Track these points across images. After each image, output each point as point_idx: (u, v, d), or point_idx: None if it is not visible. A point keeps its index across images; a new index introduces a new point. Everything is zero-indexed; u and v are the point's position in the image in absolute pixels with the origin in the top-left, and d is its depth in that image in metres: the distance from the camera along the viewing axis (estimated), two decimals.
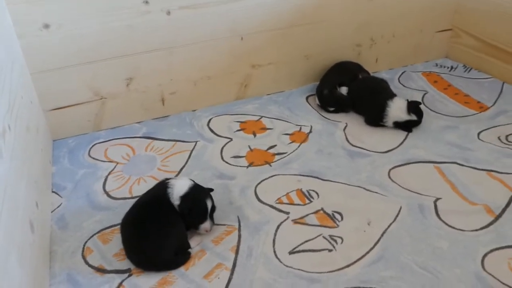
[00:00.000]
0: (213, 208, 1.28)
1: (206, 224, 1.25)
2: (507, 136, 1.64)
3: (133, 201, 1.32)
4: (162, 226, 1.18)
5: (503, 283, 1.11)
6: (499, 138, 1.63)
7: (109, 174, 1.55)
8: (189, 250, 1.22)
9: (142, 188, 1.47)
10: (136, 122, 1.82)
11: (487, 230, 1.27)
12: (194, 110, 1.89)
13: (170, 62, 1.76)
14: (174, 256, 1.19)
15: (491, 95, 1.89)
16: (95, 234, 1.31)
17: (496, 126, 1.69)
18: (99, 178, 1.54)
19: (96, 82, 1.69)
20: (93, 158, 1.63)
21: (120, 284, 1.16)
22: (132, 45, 1.68)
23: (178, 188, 1.25)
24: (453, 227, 1.28)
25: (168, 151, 1.66)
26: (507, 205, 1.34)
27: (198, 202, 1.25)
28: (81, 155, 1.65)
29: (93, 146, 1.70)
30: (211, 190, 1.32)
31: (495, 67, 1.99)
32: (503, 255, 1.19)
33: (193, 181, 1.30)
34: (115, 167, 1.59)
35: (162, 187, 1.27)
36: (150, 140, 1.72)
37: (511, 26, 1.87)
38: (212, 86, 1.88)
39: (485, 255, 1.19)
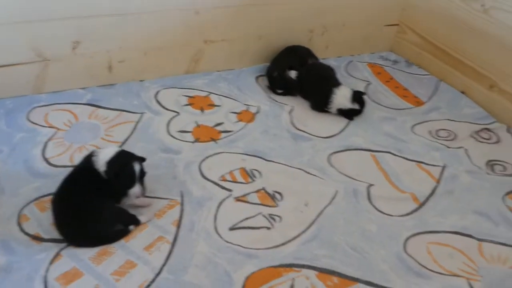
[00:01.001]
0: (142, 172, 1.24)
1: (136, 189, 1.22)
2: (437, 131, 1.76)
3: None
4: (88, 203, 1.16)
5: (421, 264, 1.23)
6: (430, 132, 1.75)
7: (49, 140, 1.51)
8: (130, 227, 1.21)
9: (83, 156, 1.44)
10: (80, 88, 1.77)
11: (412, 216, 1.38)
12: (142, 81, 1.86)
13: (121, 29, 1.72)
14: (108, 231, 1.18)
15: (428, 91, 2.01)
16: (32, 201, 1.28)
17: (428, 121, 1.82)
18: (38, 143, 1.49)
19: (40, 43, 1.62)
20: (32, 122, 1.57)
21: (58, 253, 1.15)
22: (81, 8, 1.61)
23: (103, 155, 1.22)
24: (382, 212, 1.38)
25: (113, 121, 1.63)
26: (431, 195, 1.46)
27: (124, 165, 1.21)
28: (19, 118, 1.58)
29: (32, 109, 1.63)
30: (143, 159, 1.27)
31: (434, 65, 2.12)
32: (423, 240, 1.31)
33: (123, 149, 1.27)
34: (55, 133, 1.54)
35: (87, 157, 1.24)
36: (94, 108, 1.68)
37: (452, 28, 2.00)
38: (162, 57, 1.85)
39: (408, 238, 1.30)
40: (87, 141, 1.52)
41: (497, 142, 1.73)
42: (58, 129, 1.56)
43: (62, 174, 1.30)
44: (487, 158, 1.63)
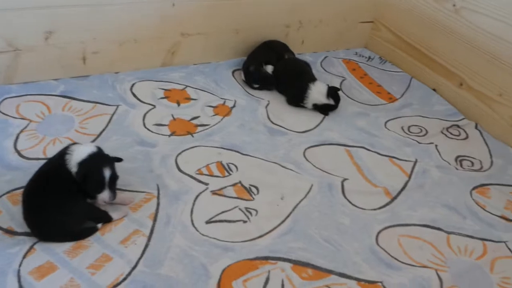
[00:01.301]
0: (114, 177, 1.20)
1: (104, 195, 1.18)
2: (409, 127, 1.81)
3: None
4: (57, 198, 1.14)
5: (392, 256, 1.27)
6: (402, 128, 1.80)
7: (21, 132, 1.48)
8: (98, 225, 1.19)
9: (57, 149, 1.38)
10: (53, 79, 1.73)
11: (384, 210, 1.42)
12: (117, 73, 1.84)
13: (95, 19, 1.69)
14: (76, 227, 1.16)
15: (400, 88, 2.06)
16: (4, 194, 1.25)
17: (401, 117, 1.86)
18: (9, 135, 1.46)
19: (11, 32, 1.58)
20: (3, 113, 1.53)
21: (31, 247, 1.13)
22: None
23: (77, 154, 1.18)
24: (356, 206, 1.41)
25: (87, 113, 1.61)
26: (402, 189, 1.50)
27: (94, 169, 1.17)
28: None
29: (3, 100, 1.59)
30: (119, 160, 1.24)
31: (407, 62, 2.17)
32: (394, 232, 1.35)
33: (99, 148, 1.23)
34: (28, 125, 1.51)
35: (61, 153, 1.21)
36: (68, 100, 1.65)
37: (424, 27, 2.05)
38: (138, 49, 1.83)
39: (380, 231, 1.34)
40: (60, 133, 1.50)
41: (466, 138, 1.79)
42: (31, 120, 1.53)
43: (35, 166, 1.28)
44: (456, 154, 1.69)
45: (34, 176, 1.20)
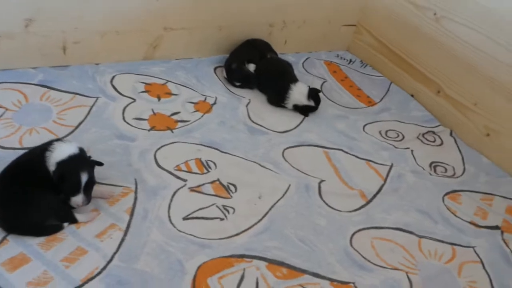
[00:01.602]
0: (90, 182, 1.18)
1: (78, 198, 1.16)
2: (386, 131, 1.85)
3: (22, 152, 1.26)
4: (26, 191, 1.12)
5: (365, 258, 1.29)
6: (380, 132, 1.83)
7: None
8: (64, 224, 1.17)
9: (34, 139, 1.40)
10: (32, 67, 1.70)
11: (359, 212, 1.44)
12: (98, 64, 1.81)
13: (78, 9, 1.66)
14: (39, 222, 1.14)
15: (380, 92, 2.10)
16: None
17: (379, 121, 1.90)
18: None
19: None
20: None
21: (4, 238, 1.11)
22: None
23: (58, 153, 1.17)
24: (332, 207, 1.44)
25: (66, 104, 1.58)
26: (378, 192, 1.53)
27: (71, 172, 1.15)
28: None
29: None
30: (99, 164, 1.22)
31: (387, 67, 2.21)
32: (368, 235, 1.37)
33: (81, 149, 1.21)
34: (4, 113, 1.48)
35: (42, 149, 1.19)
36: (46, 89, 1.62)
37: (405, 33, 2.08)
38: (119, 41, 1.81)
39: (354, 233, 1.37)
40: (38, 123, 1.47)
41: (441, 144, 1.84)
42: (7, 109, 1.49)
43: (10, 156, 1.26)
44: (430, 160, 1.73)
45: (9, 165, 1.18)
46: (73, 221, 1.18)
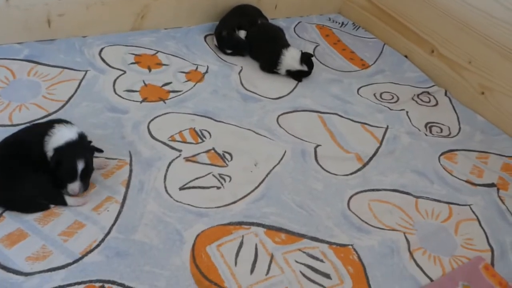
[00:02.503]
0: (87, 169, 1.15)
1: (73, 185, 1.14)
2: (381, 93, 1.83)
3: (13, 129, 1.25)
4: (18, 168, 1.11)
5: (362, 219, 1.30)
6: (374, 95, 1.82)
7: None
8: (50, 205, 1.15)
9: (24, 115, 1.38)
10: (17, 43, 1.65)
11: (356, 175, 1.45)
12: (85, 37, 1.77)
13: None
14: (24, 200, 1.13)
15: (373, 54, 2.07)
16: None
17: (373, 84, 1.88)
18: None
19: None
20: None
21: (1, 214, 1.11)
22: None
23: (56, 138, 1.15)
24: (328, 171, 1.43)
25: (55, 78, 1.55)
26: (374, 155, 1.53)
27: (68, 159, 1.13)
28: None
29: None
30: (99, 150, 1.21)
31: (380, 28, 2.17)
32: (365, 197, 1.38)
33: (81, 134, 1.19)
34: None
35: (42, 131, 1.17)
36: (33, 64, 1.59)
37: None
38: (106, 12, 1.76)
39: (351, 196, 1.37)
40: (27, 99, 1.44)
41: (435, 105, 1.82)
42: None
43: (1, 133, 1.24)
44: (426, 120, 1.73)
45: (7, 139, 1.18)
46: (63, 203, 1.15)
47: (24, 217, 1.11)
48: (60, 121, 1.21)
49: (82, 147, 1.18)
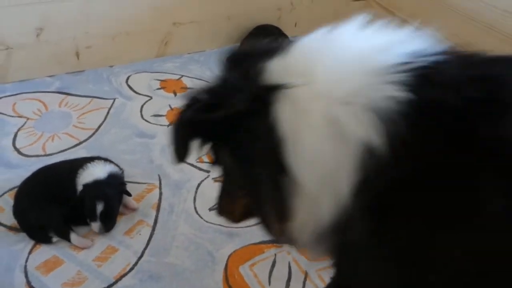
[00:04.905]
0: (108, 211, 1.13)
1: (94, 225, 1.14)
2: None
3: (46, 159, 1.30)
4: (37, 197, 1.15)
5: None
6: None
7: (19, 130, 1.47)
8: (52, 238, 1.13)
9: (56, 145, 1.42)
10: (48, 76, 1.72)
11: None
12: (112, 66, 1.82)
13: (86, 14, 1.67)
14: (33, 231, 1.14)
15: None
16: (5, 192, 1.25)
17: None
18: (7, 133, 1.45)
19: (1, 30, 1.56)
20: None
21: (36, 243, 1.13)
22: None
23: (87, 174, 1.17)
24: None
25: (84, 108, 1.60)
26: None
27: (89, 198, 1.13)
28: None
29: None
30: (127, 194, 1.20)
31: None
32: None
33: (113, 174, 1.19)
34: (25, 122, 1.50)
35: (78, 165, 1.20)
36: (64, 96, 1.64)
37: (419, 2, 2.02)
38: (131, 42, 1.82)
39: None
40: (59, 129, 1.49)
41: None
42: (28, 118, 1.52)
43: (35, 164, 1.29)
44: None
45: (43, 167, 1.23)
46: (67, 240, 1.14)
47: (59, 245, 1.13)
48: (99, 158, 1.24)
49: (107, 188, 1.16)
